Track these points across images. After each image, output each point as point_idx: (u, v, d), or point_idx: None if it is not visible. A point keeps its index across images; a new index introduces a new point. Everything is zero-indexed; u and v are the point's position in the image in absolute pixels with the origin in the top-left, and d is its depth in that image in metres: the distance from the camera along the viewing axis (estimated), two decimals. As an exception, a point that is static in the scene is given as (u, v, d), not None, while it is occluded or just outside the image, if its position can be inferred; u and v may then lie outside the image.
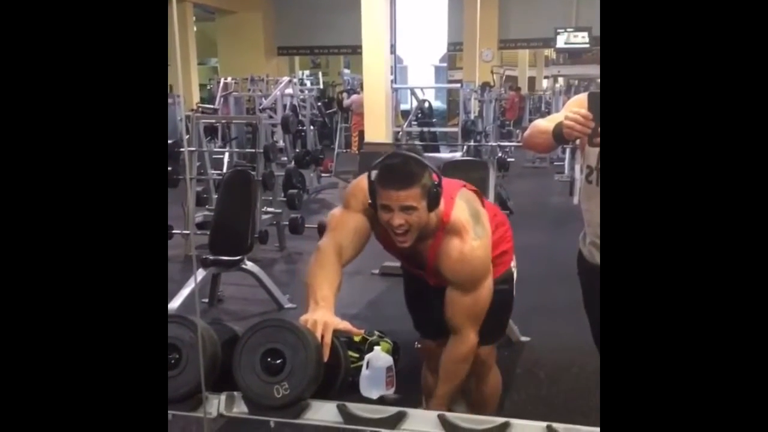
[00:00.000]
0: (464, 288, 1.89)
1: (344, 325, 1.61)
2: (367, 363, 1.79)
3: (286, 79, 8.80)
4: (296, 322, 1.49)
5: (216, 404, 1.45)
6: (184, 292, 3.81)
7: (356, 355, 2.75)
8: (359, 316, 3.90)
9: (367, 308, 4.20)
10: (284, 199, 5.71)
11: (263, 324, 1.46)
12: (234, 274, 4.18)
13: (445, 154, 6.28)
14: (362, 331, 1.82)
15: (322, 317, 1.56)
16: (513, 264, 2.22)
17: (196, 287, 2.38)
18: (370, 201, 1.82)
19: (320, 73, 15.20)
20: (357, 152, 9.00)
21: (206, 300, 4.13)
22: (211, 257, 3.88)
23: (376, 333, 3.32)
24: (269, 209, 5.73)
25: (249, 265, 3.99)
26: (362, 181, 1.87)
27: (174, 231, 5.43)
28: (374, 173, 1.79)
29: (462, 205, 1.90)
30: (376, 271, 4.82)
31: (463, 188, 2.00)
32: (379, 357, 1.82)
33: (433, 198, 1.78)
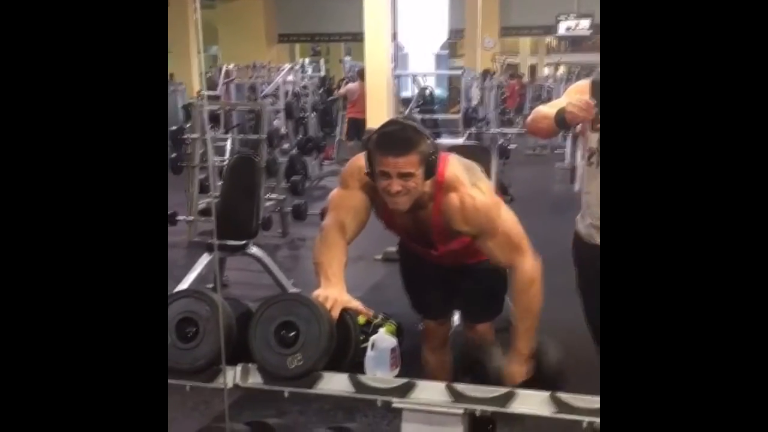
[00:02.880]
0: (486, 233, 1.87)
1: (355, 304, 1.66)
2: (372, 344, 1.84)
3: (288, 66, 8.81)
4: (310, 297, 1.54)
5: (232, 376, 1.51)
6: (191, 276, 3.86)
7: (361, 337, 2.81)
8: (363, 300, 3.89)
9: (371, 292, 4.25)
10: (287, 185, 5.76)
11: (278, 298, 1.52)
12: (238, 259, 4.22)
13: (446, 140, 6.31)
14: (371, 312, 1.85)
15: (334, 294, 1.62)
16: None
17: (215, 265, 2.42)
18: (368, 170, 1.82)
19: (322, 61, 15.19)
20: (346, 139, 9.02)
21: (211, 285, 4.18)
22: (217, 242, 3.92)
23: (381, 315, 3.38)
24: (272, 196, 5.77)
25: (254, 249, 4.03)
26: (358, 159, 1.90)
27: (178, 217, 5.48)
28: (372, 141, 1.81)
29: (453, 162, 1.91)
30: (379, 257, 4.88)
31: (453, 153, 2.01)
32: (384, 338, 1.87)
33: (430, 165, 1.79)
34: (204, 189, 5.58)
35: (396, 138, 1.78)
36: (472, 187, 1.86)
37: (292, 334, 1.47)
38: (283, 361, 1.46)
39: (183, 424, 2.36)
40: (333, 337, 1.50)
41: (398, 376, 1.75)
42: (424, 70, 12.01)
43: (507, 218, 1.89)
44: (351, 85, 9.48)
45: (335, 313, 1.58)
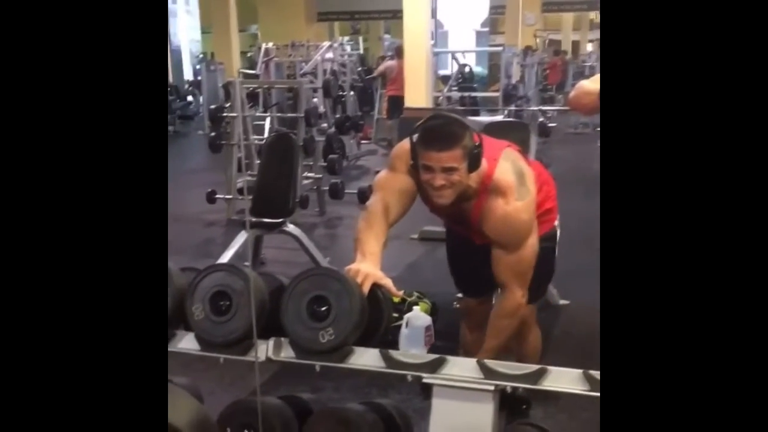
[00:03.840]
0: (508, 247, 1.91)
1: (386, 281, 1.65)
2: (407, 322, 1.84)
3: (326, 44, 8.79)
4: (342, 271, 1.55)
5: (264, 349, 1.52)
6: (228, 254, 3.91)
7: (395, 315, 2.82)
8: (399, 279, 3.91)
9: (407, 271, 4.26)
10: (324, 164, 5.78)
11: (310, 272, 1.52)
12: (276, 237, 4.26)
13: (484, 118, 6.24)
14: (401, 293, 1.86)
15: (366, 269, 1.62)
16: (557, 223, 2.24)
17: (249, 243, 2.44)
18: (412, 162, 1.85)
19: (360, 39, 15.10)
20: (386, 117, 8.98)
21: (248, 263, 4.23)
22: (254, 219, 3.96)
23: (416, 293, 3.38)
24: (310, 174, 5.80)
25: (290, 227, 4.06)
26: (407, 143, 1.91)
27: (217, 196, 5.56)
28: (416, 135, 1.83)
29: (506, 166, 1.91)
30: (415, 236, 4.87)
31: (508, 148, 2.01)
32: (418, 316, 1.87)
33: (474, 159, 1.80)
34: (242, 168, 5.63)
35: (439, 133, 1.80)
36: (517, 199, 1.87)
37: (324, 308, 1.48)
38: (314, 336, 1.47)
39: (221, 397, 2.40)
40: (365, 312, 1.50)
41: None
42: (464, 47, 11.90)
43: (531, 245, 1.93)
44: (389, 63, 9.43)
45: (366, 287, 1.58)
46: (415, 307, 2.16)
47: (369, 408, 1.69)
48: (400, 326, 1.88)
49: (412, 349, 1.76)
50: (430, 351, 1.75)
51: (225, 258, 3.83)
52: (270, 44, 9.06)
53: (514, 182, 1.89)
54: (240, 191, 5.50)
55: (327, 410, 1.67)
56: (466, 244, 2.22)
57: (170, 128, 11.20)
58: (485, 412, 1.42)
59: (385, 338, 1.63)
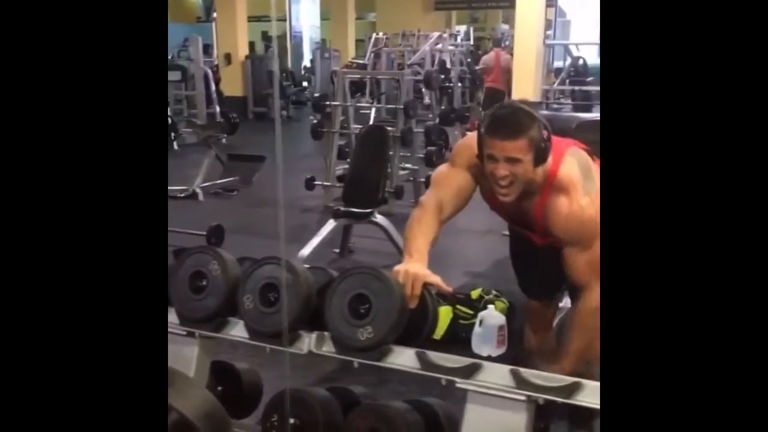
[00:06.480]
0: (580, 245, 1.83)
1: (435, 279, 1.66)
2: (480, 320, 1.83)
3: (436, 34, 8.79)
4: (383, 271, 1.57)
5: (307, 342, 1.57)
6: (315, 241, 4.03)
7: (470, 312, 2.79)
8: (483, 274, 3.94)
9: (493, 267, 4.21)
10: (423, 155, 5.79)
11: (352, 271, 1.56)
12: (367, 226, 4.33)
13: (588, 114, 6.02)
14: (451, 289, 1.84)
15: (414, 269, 1.63)
16: None
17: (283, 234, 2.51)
18: (477, 152, 1.81)
19: (471, 28, 14.89)
20: (482, 109, 8.85)
21: (337, 250, 4.34)
22: (343, 209, 4.06)
23: (494, 292, 3.34)
24: (407, 165, 5.83)
25: (378, 218, 4.12)
26: (469, 139, 1.89)
27: (315, 182, 5.71)
28: (483, 123, 1.80)
29: (571, 161, 1.85)
30: (507, 233, 4.80)
31: (574, 146, 1.95)
32: (492, 315, 1.86)
33: (540, 152, 1.74)
34: (342, 155, 5.76)
35: (505, 121, 1.76)
36: (584, 195, 1.80)
37: (365, 306, 1.51)
38: (354, 333, 1.51)
39: (290, 380, 2.50)
40: (404, 312, 1.52)
41: (504, 355, 1.74)
42: (586, 37, 11.52)
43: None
44: (485, 57, 9.31)
45: (417, 290, 1.59)
46: (490, 306, 2.13)
47: (414, 406, 1.71)
48: (473, 324, 1.86)
49: (483, 347, 1.74)
50: (506, 351, 1.74)
51: (311, 246, 3.95)
52: (380, 34, 9.17)
53: (580, 177, 1.82)
54: (339, 179, 5.63)
55: (368, 406, 1.71)
56: (528, 245, 2.18)
57: (283, 113, 11.59)
58: (518, 422, 1.41)
59: (432, 331, 1.63)
